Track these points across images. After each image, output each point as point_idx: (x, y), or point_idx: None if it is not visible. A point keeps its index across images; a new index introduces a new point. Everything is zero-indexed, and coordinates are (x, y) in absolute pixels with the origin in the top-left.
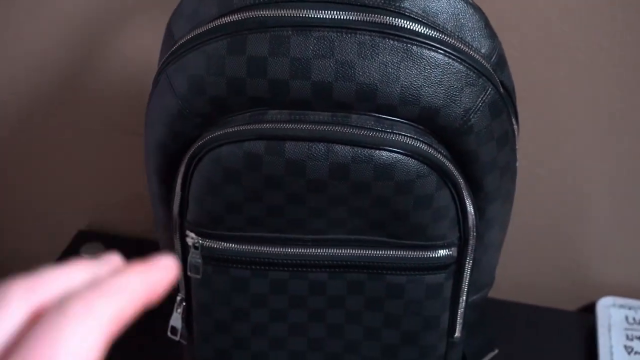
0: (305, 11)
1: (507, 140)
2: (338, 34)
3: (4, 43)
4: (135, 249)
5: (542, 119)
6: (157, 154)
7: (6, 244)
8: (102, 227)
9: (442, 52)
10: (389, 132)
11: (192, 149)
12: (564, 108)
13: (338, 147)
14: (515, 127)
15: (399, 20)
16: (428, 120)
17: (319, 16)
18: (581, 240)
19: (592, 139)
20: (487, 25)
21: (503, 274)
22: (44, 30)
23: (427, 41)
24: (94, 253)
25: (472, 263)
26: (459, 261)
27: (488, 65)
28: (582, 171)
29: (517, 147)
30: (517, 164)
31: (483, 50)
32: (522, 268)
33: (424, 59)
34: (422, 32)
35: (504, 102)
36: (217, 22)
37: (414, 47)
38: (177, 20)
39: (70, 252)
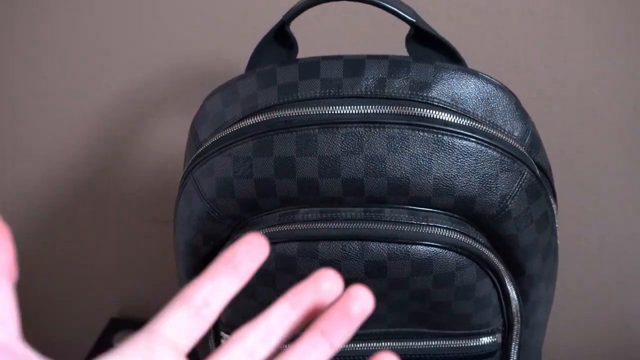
0: (330, 108)
1: (547, 221)
2: (366, 129)
3: (43, 137)
4: None
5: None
6: (187, 256)
7: (39, 333)
8: (134, 314)
9: (474, 140)
10: (424, 224)
11: (222, 251)
12: (603, 168)
13: (373, 245)
14: (554, 206)
15: (428, 110)
16: (464, 209)
17: (345, 112)
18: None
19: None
20: (517, 106)
21: (551, 347)
22: (78, 126)
23: (458, 130)
24: None
25: (519, 347)
26: (505, 347)
27: (522, 149)
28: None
29: (557, 225)
30: (558, 242)
31: (516, 133)
32: (570, 337)
33: (456, 148)
34: (453, 121)
35: (541, 184)
36: (242, 124)
37: (445, 137)
38: (201, 122)
39: (103, 340)
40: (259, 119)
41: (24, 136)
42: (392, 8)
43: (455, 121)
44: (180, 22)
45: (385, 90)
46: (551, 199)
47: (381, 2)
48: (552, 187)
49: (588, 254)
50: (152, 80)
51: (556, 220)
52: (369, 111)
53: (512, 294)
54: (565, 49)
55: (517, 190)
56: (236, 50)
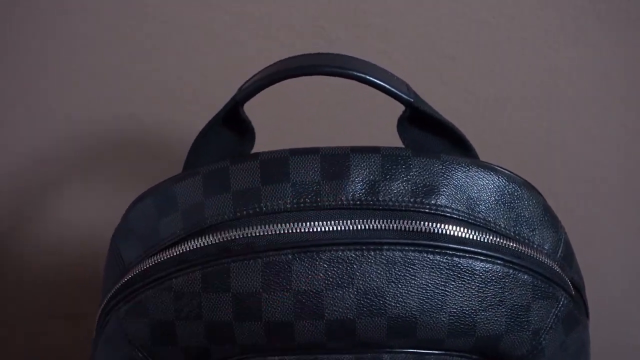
0: (308, 224)
1: (583, 350)
2: (357, 252)
3: None
4: None
5: None
6: None
7: None
8: None
9: (500, 262)
10: None
11: None
12: None
13: None
14: (588, 326)
15: (438, 225)
16: (486, 350)
17: (328, 229)
18: None
19: None
20: (546, 208)
21: None
22: None
23: (477, 249)
24: None
25: None
26: None
27: (556, 266)
28: None
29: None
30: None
31: (547, 246)
32: None
33: (476, 274)
34: (470, 237)
35: (579, 309)
36: (184, 247)
37: (462, 260)
38: (124, 237)
39: None
40: (208, 240)
41: None
42: (383, 84)
43: (474, 237)
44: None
45: (380, 198)
46: (587, 322)
47: (368, 77)
48: (586, 305)
49: None
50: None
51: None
52: (359, 227)
53: None
54: None
55: (553, 322)
56: (173, 138)
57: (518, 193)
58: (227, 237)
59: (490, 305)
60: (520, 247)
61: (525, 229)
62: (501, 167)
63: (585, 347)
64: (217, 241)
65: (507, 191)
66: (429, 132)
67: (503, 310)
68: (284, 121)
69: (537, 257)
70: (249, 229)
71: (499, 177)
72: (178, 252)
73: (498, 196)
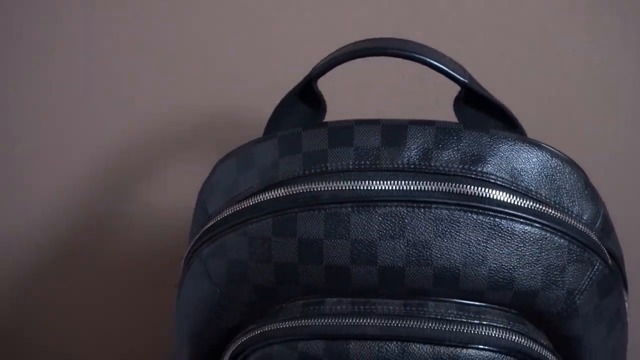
0: (367, 183)
1: (619, 319)
2: (409, 209)
3: (41, 193)
4: None
5: None
6: (191, 344)
7: None
8: None
9: (538, 225)
10: (476, 323)
11: (235, 345)
12: None
13: (415, 347)
14: (626, 299)
15: (483, 189)
16: (523, 305)
17: (383, 188)
18: None
19: None
20: (587, 184)
21: None
22: (78, 182)
23: (518, 213)
24: None
25: None
26: None
27: (593, 234)
28: None
29: (628, 319)
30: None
31: (585, 216)
32: None
33: (516, 234)
34: (512, 202)
35: (614, 276)
36: (259, 198)
37: (504, 222)
38: (210, 191)
39: None
40: (280, 192)
41: (19, 193)
42: (441, 66)
43: (516, 202)
44: (193, 71)
45: (432, 164)
46: (624, 293)
47: (428, 60)
48: (625, 279)
49: None
50: (160, 136)
51: (628, 315)
52: (412, 188)
53: None
54: None
55: (587, 285)
56: (254, 109)
57: (560, 167)
58: (296, 190)
59: (527, 263)
60: (559, 215)
61: (565, 199)
62: (546, 144)
63: (621, 316)
64: (287, 194)
65: (550, 165)
66: (482, 112)
67: (539, 269)
68: (352, 98)
69: (574, 224)
70: (315, 184)
71: (542, 152)
72: (253, 202)
73: (541, 169)
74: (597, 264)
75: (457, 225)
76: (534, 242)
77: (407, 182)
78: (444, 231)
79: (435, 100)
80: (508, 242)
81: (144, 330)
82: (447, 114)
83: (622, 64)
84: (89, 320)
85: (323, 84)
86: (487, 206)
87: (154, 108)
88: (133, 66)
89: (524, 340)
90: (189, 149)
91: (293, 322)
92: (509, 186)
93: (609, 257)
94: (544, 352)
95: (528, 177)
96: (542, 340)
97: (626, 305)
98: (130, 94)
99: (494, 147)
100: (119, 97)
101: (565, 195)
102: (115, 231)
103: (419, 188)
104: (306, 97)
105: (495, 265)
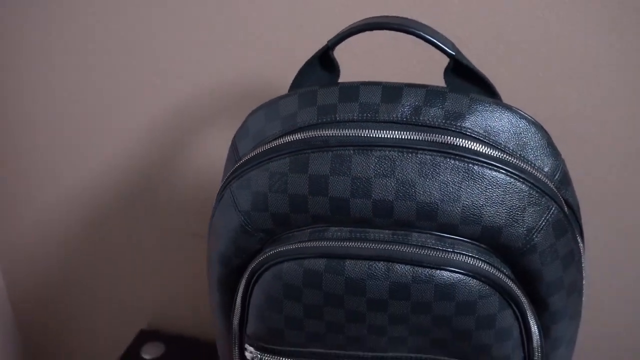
0: (366, 131)
1: (573, 259)
2: (399, 153)
3: (86, 146)
4: (196, 349)
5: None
6: (219, 266)
7: (69, 343)
8: (163, 327)
9: (504, 171)
10: (450, 251)
11: (254, 264)
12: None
13: (398, 267)
14: (580, 245)
15: (460, 140)
16: (490, 239)
17: (380, 136)
18: None
19: None
20: (549, 143)
21: None
22: (121, 138)
23: (488, 161)
24: (155, 353)
25: None
26: None
27: (551, 184)
28: None
29: (584, 265)
30: (584, 282)
31: (546, 169)
32: None
33: (485, 178)
34: (484, 151)
35: (569, 221)
36: (281, 141)
37: (476, 167)
38: (242, 137)
39: (131, 351)
40: (297, 136)
41: (66, 144)
42: (433, 40)
43: (487, 152)
44: (233, 46)
45: (421, 118)
46: (578, 238)
47: (423, 34)
48: (580, 226)
49: (615, 293)
50: (200, 97)
51: (583, 261)
52: (403, 137)
53: (534, 328)
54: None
55: (544, 225)
56: (281, 72)
57: (527, 127)
58: (310, 135)
59: (494, 203)
60: (522, 165)
61: (530, 153)
62: (516, 108)
63: (575, 259)
64: (302, 137)
65: (518, 125)
66: (467, 81)
67: (503, 208)
68: (362, 65)
69: (535, 174)
70: (325, 131)
71: (512, 114)
72: (275, 145)
73: (510, 127)
74: (553, 209)
75: (438, 168)
76: (500, 186)
77: (399, 132)
78: (426, 172)
79: (429, 70)
80: (479, 184)
81: (177, 277)
82: (438, 81)
83: (622, 64)
84: (128, 266)
85: (339, 53)
86: (463, 154)
87: (196, 78)
88: (176, 40)
89: (489, 267)
90: (225, 113)
91: (301, 244)
92: (482, 139)
93: (565, 205)
94: (505, 280)
95: (499, 133)
96: (505, 270)
97: (581, 250)
98: (175, 67)
99: (472, 107)
100: (168, 71)
101: (529, 150)
102: (154, 184)
103: (408, 137)
104: (324, 62)
105: (467, 203)
